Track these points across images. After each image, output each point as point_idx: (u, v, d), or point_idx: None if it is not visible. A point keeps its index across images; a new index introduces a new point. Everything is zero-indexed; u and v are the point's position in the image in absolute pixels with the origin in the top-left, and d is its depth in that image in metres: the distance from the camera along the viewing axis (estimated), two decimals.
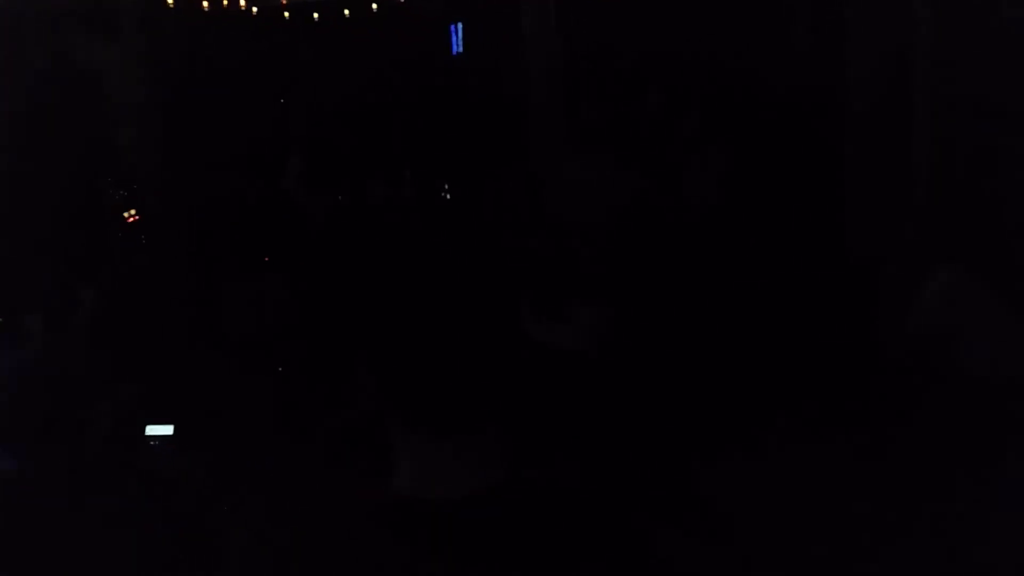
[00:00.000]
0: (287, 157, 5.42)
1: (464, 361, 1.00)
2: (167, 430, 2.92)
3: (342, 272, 4.64)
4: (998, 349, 3.04)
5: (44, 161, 4.85)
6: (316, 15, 6.28)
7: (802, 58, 5.91)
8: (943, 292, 3.11)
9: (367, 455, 1.17)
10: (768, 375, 4.11)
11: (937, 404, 3.08)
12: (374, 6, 6.21)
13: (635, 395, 3.98)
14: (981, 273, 3.13)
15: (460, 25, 7.07)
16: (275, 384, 4.19)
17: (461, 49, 7.12)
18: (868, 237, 4.70)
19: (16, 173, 4.44)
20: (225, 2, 5.88)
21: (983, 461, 2.75)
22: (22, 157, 4.67)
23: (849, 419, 3.59)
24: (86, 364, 3.33)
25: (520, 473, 1.03)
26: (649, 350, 4.34)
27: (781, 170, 5.45)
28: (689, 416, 3.86)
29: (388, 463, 1.05)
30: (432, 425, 1.02)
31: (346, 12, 6.30)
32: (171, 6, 5.42)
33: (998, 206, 3.99)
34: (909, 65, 4.62)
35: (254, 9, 6.07)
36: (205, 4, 5.72)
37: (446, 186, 5.75)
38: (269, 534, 1.12)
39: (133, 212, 5.47)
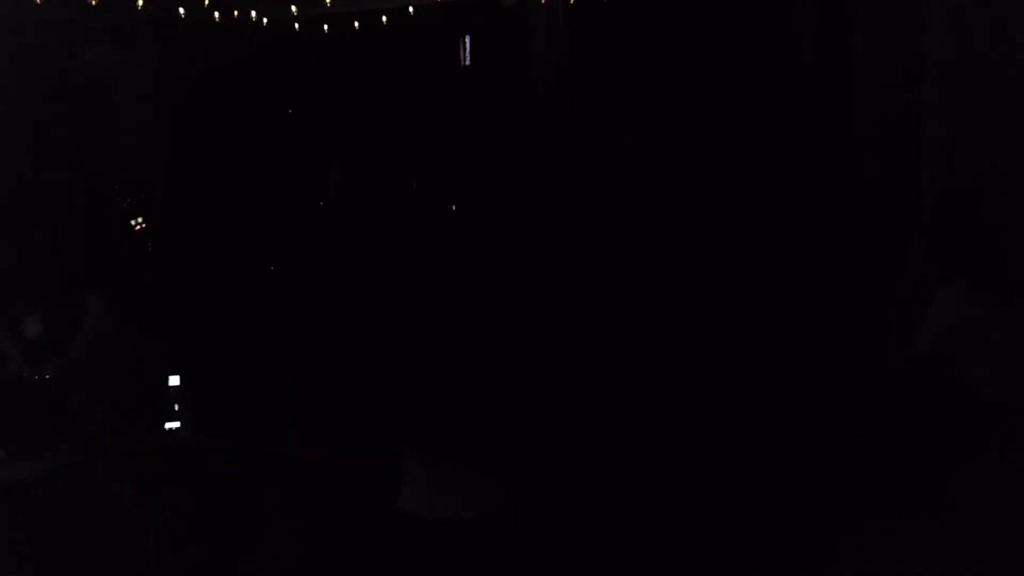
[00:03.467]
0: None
1: (474, 381, 1.00)
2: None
3: (352, 286, 4.65)
4: (1002, 366, 3.03)
5: (53, 169, 4.88)
6: (326, 27, 6.32)
7: (810, 77, 5.92)
8: (948, 309, 3.10)
9: (377, 473, 1.16)
10: (773, 389, 4.11)
11: (941, 420, 3.07)
12: (384, 19, 6.24)
13: (644, 411, 3.98)
14: (987, 291, 3.13)
15: (468, 39, 7.11)
16: (285, 399, 4.19)
17: (469, 62, 7.15)
18: (874, 254, 4.69)
19: (25, 180, 4.47)
20: (236, 13, 5.91)
21: (986, 475, 2.74)
22: (31, 164, 4.70)
23: (853, 433, 3.58)
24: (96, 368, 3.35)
25: (530, 494, 1.02)
26: (656, 365, 4.34)
27: (788, 187, 5.46)
28: (697, 427, 3.86)
29: (398, 482, 1.04)
30: (442, 446, 1.01)
31: (356, 24, 6.33)
32: (182, 17, 5.46)
33: (1004, 224, 3.98)
34: (917, 82, 4.63)
35: (264, 20, 6.10)
36: (216, 15, 5.75)
37: (455, 196, 5.75)
38: (277, 550, 1.11)
39: (140, 220, 5.50)
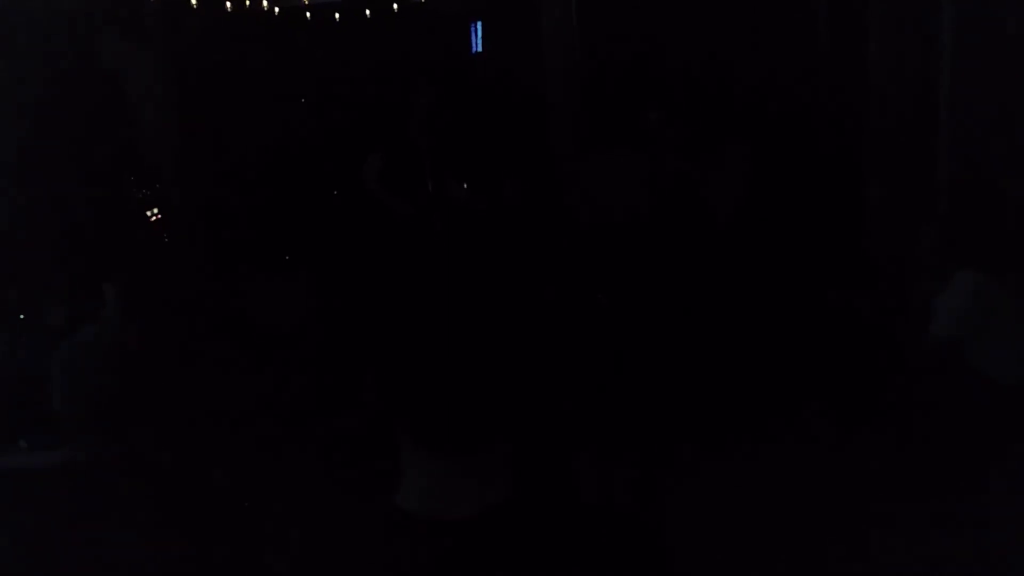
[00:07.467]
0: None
1: (478, 377, 0.99)
2: None
3: (359, 281, 4.64)
4: (1018, 351, 3.02)
5: (68, 160, 4.91)
6: (337, 15, 6.32)
7: (826, 62, 5.87)
8: (963, 295, 3.09)
9: (374, 471, 1.15)
10: (786, 378, 4.10)
11: (956, 406, 3.06)
12: (395, 6, 6.23)
13: (656, 402, 3.98)
14: (1001, 276, 3.11)
15: (479, 24, 7.08)
16: (287, 395, 4.21)
17: (480, 48, 7.12)
18: (888, 241, 4.67)
19: (40, 172, 4.50)
20: (247, 2, 5.92)
21: (1000, 461, 2.74)
22: (46, 156, 4.72)
23: (867, 419, 3.57)
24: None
25: (526, 492, 1.02)
26: (668, 352, 4.34)
27: (801, 174, 5.42)
28: (703, 419, 3.86)
29: (395, 480, 1.04)
30: (440, 444, 1.01)
31: (367, 12, 6.33)
32: (194, 6, 5.46)
33: (1019, 210, 3.95)
34: (931, 71, 4.59)
35: (276, 9, 6.11)
36: (228, 4, 5.75)
37: (470, 188, 5.72)
38: (274, 547, 1.11)
39: (156, 211, 5.53)
